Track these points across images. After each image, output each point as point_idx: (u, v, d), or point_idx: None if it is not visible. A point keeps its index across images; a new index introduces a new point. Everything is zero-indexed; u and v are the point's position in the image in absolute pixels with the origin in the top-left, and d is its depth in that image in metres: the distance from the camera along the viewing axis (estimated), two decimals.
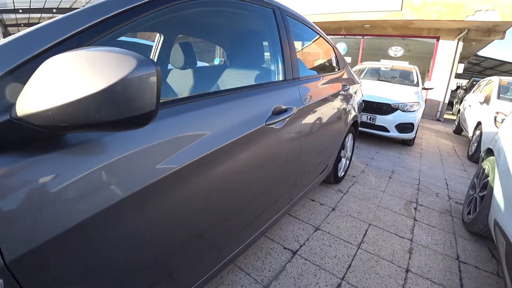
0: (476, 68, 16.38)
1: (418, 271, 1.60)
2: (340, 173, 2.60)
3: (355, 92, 2.55)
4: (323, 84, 1.83)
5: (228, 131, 0.94)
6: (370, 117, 4.10)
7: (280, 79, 1.38)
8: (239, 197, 1.09)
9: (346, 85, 2.19)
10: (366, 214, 2.17)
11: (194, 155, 0.79)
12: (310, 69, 2.04)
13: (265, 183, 1.24)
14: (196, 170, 0.80)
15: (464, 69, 8.60)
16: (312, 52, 2.41)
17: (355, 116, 2.55)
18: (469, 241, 1.95)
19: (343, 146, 2.47)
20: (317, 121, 1.65)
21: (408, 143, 4.48)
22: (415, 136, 4.34)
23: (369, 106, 4.11)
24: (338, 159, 2.41)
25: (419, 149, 4.40)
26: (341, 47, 9.64)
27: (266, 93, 1.18)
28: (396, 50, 8.36)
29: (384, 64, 5.71)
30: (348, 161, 2.80)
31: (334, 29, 9.08)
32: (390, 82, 4.94)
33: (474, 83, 9.12)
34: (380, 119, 4.04)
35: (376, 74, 5.68)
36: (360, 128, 4.20)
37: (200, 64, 2.42)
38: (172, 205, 0.77)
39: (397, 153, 4.00)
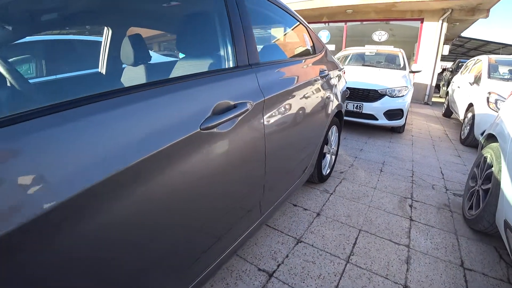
0: (460, 50, 16.33)
1: (418, 286, 1.34)
2: (325, 171, 2.33)
3: (337, 79, 2.27)
4: (295, 70, 1.53)
5: (151, 138, 0.65)
6: (357, 105, 3.83)
7: (231, 65, 1.07)
8: (187, 218, 0.80)
9: (324, 71, 1.90)
10: (355, 217, 1.90)
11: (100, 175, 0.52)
12: (277, 53, 1.73)
13: (219, 198, 0.95)
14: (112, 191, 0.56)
15: (449, 51, 8.43)
16: (279, 34, 2.09)
17: (339, 106, 2.27)
18: (472, 240, 1.71)
19: (326, 141, 2.19)
20: (287, 116, 1.35)
21: (398, 130, 4.25)
22: (405, 122, 4.11)
23: (355, 94, 3.85)
24: (322, 155, 2.13)
25: (410, 135, 4.17)
26: (324, 34, 9.35)
27: (205, 86, 0.86)
28: (380, 35, 8.12)
29: (368, 49, 5.44)
30: (334, 156, 2.53)
31: (315, 17, 8.77)
32: (375, 67, 4.68)
33: (460, 64, 9.00)
34: (368, 107, 3.78)
35: (361, 60, 5.41)
36: (346, 118, 3.95)
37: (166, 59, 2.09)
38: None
39: (387, 142, 3.76)
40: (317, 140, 1.91)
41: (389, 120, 3.79)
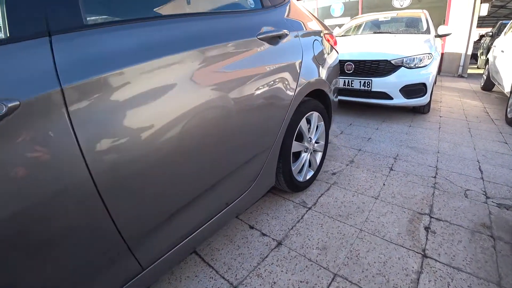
0: (501, 12, 13.97)
1: None
2: (302, 177, 1.66)
3: (315, 44, 1.56)
4: (168, 30, 0.86)
5: None
6: (365, 82, 3.02)
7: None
8: None
9: (270, 31, 1.20)
10: (334, 251, 1.24)
11: None
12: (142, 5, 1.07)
13: None
14: None
15: (488, 13, 6.97)
16: None
17: (319, 83, 1.58)
18: None
19: (298, 135, 1.52)
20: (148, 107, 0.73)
21: (421, 110, 3.38)
22: (430, 100, 3.23)
23: (362, 67, 3.03)
24: (289, 156, 1.47)
25: (437, 117, 3.29)
26: (338, 7, 8.27)
27: None
28: (402, 0, 6.90)
29: (383, 14, 4.47)
30: (320, 154, 1.84)
31: None
32: (391, 33, 3.76)
33: (502, 26, 7.48)
34: (378, 83, 2.96)
35: (376, 28, 4.48)
36: (352, 99, 3.18)
37: None
38: None
39: (405, 126, 2.94)
40: (269, 137, 1.25)
41: (407, 98, 2.95)
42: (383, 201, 1.60)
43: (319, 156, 1.84)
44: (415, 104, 3.06)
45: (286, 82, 1.26)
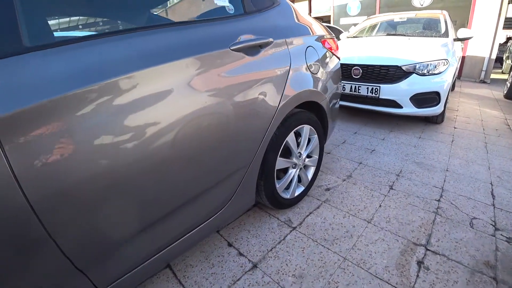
0: None
1: None
2: (290, 194, 1.54)
3: (308, 51, 1.43)
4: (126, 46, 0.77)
5: None
6: (372, 89, 2.84)
7: None
8: None
9: (249, 40, 1.08)
10: (311, 280, 1.12)
11: None
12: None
13: None
14: None
15: None
16: None
17: (313, 94, 1.46)
18: None
19: (285, 151, 1.41)
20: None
21: (435, 120, 3.15)
22: (445, 109, 3.00)
23: (370, 73, 2.85)
24: (273, 173, 1.36)
25: (451, 128, 3.05)
26: (354, 5, 7.96)
27: None
28: None
29: (398, 14, 4.21)
30: (313, 169, 1.72)
31: None
32: (404, 35, 3.53)
33: None
34: (387, 90, 2.77)
35: (392, 29, 4.25)
36: (359, 105, 3.01)
37: None
38: None
39: (415, 137, 2.75)
40: (244, 155, 1.15)
41: (418, 107, 2.75)
42: (376, 225, 1.46)
43: (311, 171, 1.71)
44: (427, 114, 2.85)
45: (267, 96, 1.15)
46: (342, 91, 3.03)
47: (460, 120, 3.32)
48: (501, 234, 1.39)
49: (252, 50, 1.08)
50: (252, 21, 1.16)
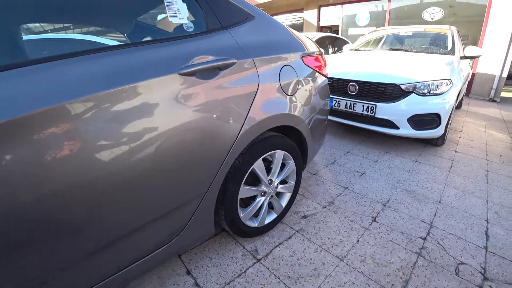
0: None
1: None
2: (259, 222, 1.42)
3: (282, 72, 1.31)
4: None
5: None
6: (368, 107, 2.69)
7: None
8: None
9: (208, 62, 0.97)
10: None
11: None
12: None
13: None
14: None
15: None
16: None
17: (288, 118, 1.35)
18: None
19: (254, 178, 1.29)
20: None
21: (435, 142, 2.98)
22: (446, 131, 2.83)
23: (366, 90, 2.71)
24: (235, 202, 1.24)
25: (452, 151, 2.87)
26: (363, 16, 7.82)
27: None
28: (433, 13, 6.34)
29: (404, 28, 4.05)
30: (289, 195, 1.59)
31: None
32: (407, 51, 3.38)
33: None
34: (383, 109, 2.62)
35: (398, 44, 4.09)
36: (354, 123, 2.87)
37: None
38: None
39: (410, 161, 2.58)
40: (196, 186, 1.03)
41: (416, 129, 2.59)
42: (349, 265, 1.32)
43: (286, 197, 1.58)
44: (425, 137, 2.68)
45: (225, 121, 1.03)
46: (337, 107, 2.89)
47: (463, 143, 3.13)
48: (489, 286, 1.23)
49: (208, 73, 0.97)
50: (215, 40, 1.06)
